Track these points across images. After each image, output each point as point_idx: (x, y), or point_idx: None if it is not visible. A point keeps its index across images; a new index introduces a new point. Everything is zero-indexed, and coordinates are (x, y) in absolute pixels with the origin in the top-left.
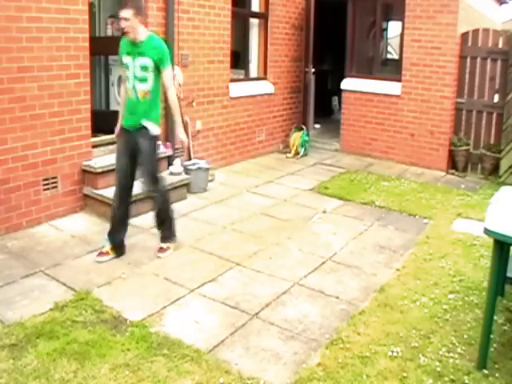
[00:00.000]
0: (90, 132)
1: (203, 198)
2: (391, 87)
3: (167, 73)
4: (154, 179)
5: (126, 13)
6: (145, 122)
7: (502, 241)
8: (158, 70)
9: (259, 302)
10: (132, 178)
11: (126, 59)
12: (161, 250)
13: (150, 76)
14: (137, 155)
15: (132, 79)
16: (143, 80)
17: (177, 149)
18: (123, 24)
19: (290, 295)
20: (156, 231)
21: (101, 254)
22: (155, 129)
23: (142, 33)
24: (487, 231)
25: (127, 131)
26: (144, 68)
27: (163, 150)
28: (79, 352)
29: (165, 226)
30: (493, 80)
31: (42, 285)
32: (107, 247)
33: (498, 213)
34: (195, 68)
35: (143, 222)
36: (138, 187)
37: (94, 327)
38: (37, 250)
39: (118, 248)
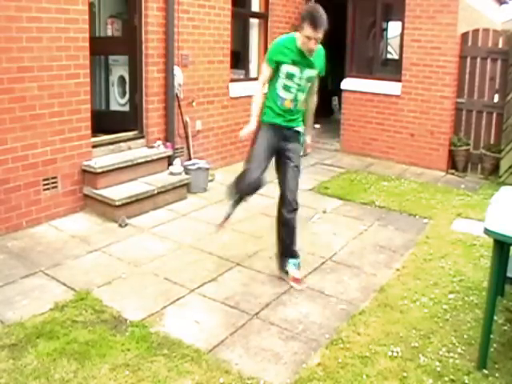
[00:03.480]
0: (90, 132)
1: (203, 198)
2: (391, 87)
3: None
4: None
5: (319, 35)
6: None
7: (502, 241)
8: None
9: (259, 301)
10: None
11: (292, 69)
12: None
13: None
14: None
15: (295, 90)
16: (305, 91)
17: (177, 149)
18: (311, 45)
19: (290, 295)
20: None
21: None
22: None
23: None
24: (487, 231)
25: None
26: (310, 79)
27: (163, 150)
28: (79, 352)
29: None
30: (493, 80)
31: (42, 285)
32: None
33: (498, 213)
34: (195, 68)
35: (143, 222)
36: (133, 187)
37: (94, 327)
38: (37, 250)
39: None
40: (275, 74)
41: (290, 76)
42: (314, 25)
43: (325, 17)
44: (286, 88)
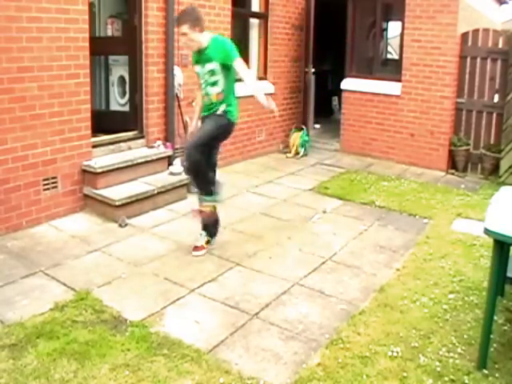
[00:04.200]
0: (90, 132)
1: None
2: (391, 87)
3: (237, 63)
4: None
5: (182, 29)
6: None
7: (502, 241)
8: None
9: (259, 302)
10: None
11: (196, 68)
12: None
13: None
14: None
15: (204, 85)
16: (215, 84)
17: (177, 149)
18: (184, 40)
19: (290, 295)
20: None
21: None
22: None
23: (204, 40)
24: (487, 231)
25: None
26: (213, 72)
27: (163, 150)
28: (79, 352)
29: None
30: (493, 80)
31: (42, 285)
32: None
33: (498, 213)
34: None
35: (143, 222)
36: (133, 187)
37: (94, 327)
38: (37, 250)
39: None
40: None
41: (198, 75)
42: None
43: (182, 14)
44: (200, 86)
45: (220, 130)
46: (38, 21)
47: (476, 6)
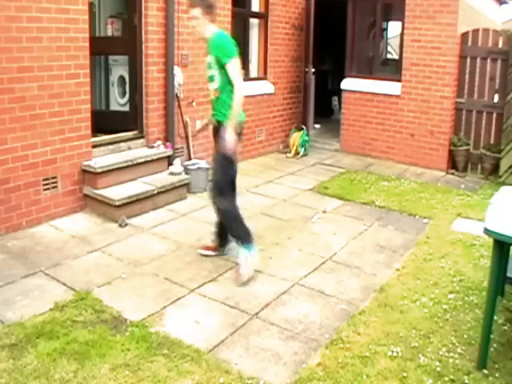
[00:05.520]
0: (90, 132)
1: (203, 198)
2: (391, 87)
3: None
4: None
5: (194, 11)
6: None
7: (502, 241)
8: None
9: (259, 301)
10: None
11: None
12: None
13: (216, 74)
14: None
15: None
16: (212, 80)
17: (177, 149)
18: (193, 23)
19: (290, 295)
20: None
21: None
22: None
23: (209, 31)
24: (487, 231)
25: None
26: (209, 66)
27: (163, 150)
28: (79, 352)
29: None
30: (493, 80)
31: (42, 285)
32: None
33: (498, 213)
34: (195, 68)
35: (143, 222)
36: (133, 187)
37: (94, 327)
38: (37, 249)
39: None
40: None
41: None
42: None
43: None
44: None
45: (228, 159)
46: (38, 21)
47: (476, 6)
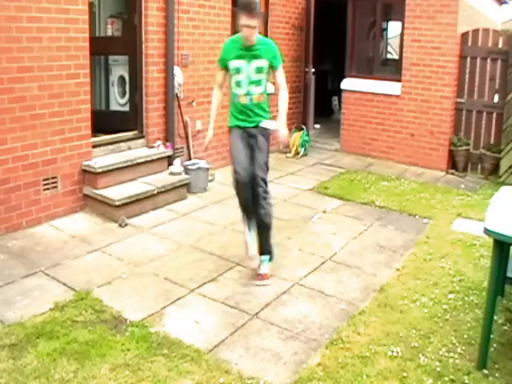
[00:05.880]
0: (90, 132)
1: (203, 198)
2: (391, 87)
3: (281, 70)
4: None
5: (254, 22)
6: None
7: (502, 241)
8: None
9: (259, 301)
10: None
11: (238, 63)
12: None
13: (264, 78)
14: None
15: (247, 84)
16: (259, 84)
17: (177, 149)
18: (248, 32)
19: (290, 295)
20: None
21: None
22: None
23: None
24: (487, 231)
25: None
26: (260, 70)
27: (163, 150)
28: (79, 352)
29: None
30: (493, 80)
31: (41, 285)
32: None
33: (498, 213)
34: (195, 68)
35: (143, 222)
36: (133, 187)
37: (94, 327)
38: (37, 249)
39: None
40: (229, 74)
41: (237, 70)
42: (246, 13)
43: (255, 4)
44: (238, 83)
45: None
46: (38, 21)
47: (476, 6)
